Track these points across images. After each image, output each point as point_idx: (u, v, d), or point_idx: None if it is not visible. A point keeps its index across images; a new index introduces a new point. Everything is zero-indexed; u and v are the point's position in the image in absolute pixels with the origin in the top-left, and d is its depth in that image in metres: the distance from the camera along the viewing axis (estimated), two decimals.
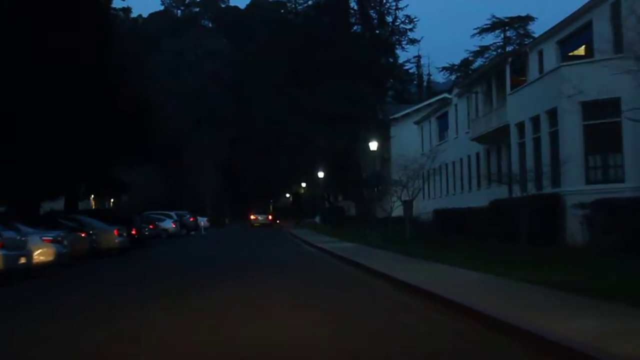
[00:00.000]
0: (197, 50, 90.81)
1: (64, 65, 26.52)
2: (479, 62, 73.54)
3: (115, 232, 24.73)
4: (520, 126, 28.41)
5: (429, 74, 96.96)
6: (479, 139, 36.20)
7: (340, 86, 57.74)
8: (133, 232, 27.80)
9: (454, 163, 42.58)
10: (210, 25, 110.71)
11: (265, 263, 21.32)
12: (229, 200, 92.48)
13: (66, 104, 28.32)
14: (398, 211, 37.29)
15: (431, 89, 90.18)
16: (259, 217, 72.51)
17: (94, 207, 66.88)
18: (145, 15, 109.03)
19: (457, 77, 75.11)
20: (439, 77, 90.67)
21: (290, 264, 21.00)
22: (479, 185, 38.50)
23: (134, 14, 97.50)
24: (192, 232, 49.80)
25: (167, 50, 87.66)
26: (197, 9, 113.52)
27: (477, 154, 38.53)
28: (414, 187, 34.15)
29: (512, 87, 30.95)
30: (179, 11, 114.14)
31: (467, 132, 39.77)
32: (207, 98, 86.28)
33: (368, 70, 60.40)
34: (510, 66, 31.36)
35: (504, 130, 31.41)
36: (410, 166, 34.82)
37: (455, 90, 42.65)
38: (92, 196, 67.74)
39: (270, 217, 73.80)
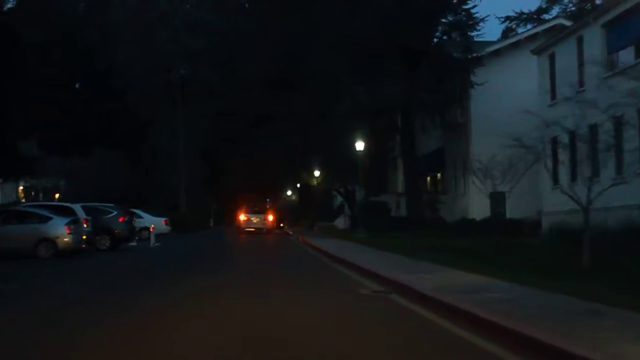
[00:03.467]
0: None
1: None
2: (555, 11, 54.28)
3: None
4: None
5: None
6: None
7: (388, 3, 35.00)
8: None
9: None
10: None
11: None
12: (213, 195, 71.38)
13: None
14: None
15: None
16: (254, 219, 48.90)
17: (22, 198, 51.12)
18: None
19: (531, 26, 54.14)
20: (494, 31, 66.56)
21: None
22: None
23: None
24: (133, 244, 26.68)
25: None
26: None
27: None
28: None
29: None
30: None
31: None
32: (183, 58, 63.57)
33: None
34: None
35: None
36: None
37: None
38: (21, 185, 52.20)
39: (270, 219, 50.33)
